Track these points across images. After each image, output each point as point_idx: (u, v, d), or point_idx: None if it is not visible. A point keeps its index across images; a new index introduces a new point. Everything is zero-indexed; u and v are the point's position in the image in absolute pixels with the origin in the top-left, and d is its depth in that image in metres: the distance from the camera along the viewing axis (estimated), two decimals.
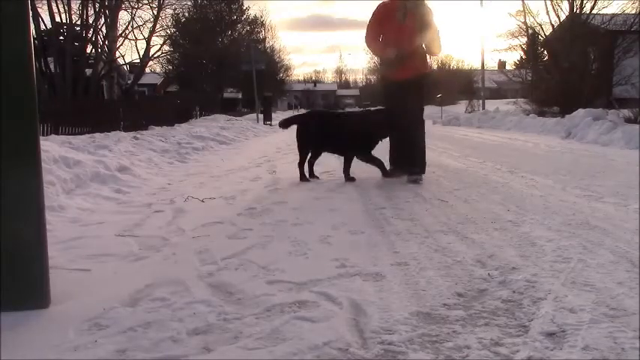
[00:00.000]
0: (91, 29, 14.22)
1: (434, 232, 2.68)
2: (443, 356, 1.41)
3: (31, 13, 1.89)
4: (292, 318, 1.66)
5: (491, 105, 19.84)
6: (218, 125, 12.45)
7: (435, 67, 41.38)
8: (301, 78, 71.09)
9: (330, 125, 4.69)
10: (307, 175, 4.72)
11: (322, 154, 4.91)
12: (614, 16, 14.73)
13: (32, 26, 2.30)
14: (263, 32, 38.56)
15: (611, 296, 1.76)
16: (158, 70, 26.09)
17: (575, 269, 2.04)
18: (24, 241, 1.79)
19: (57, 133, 8.42)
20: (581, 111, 9.45)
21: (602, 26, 14.40)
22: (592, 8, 14.70)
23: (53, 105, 9.86)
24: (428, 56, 4.71)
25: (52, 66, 13.30)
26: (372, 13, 4.52)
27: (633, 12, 14.24)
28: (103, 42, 15.12)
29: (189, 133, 9.46)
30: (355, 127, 4.64)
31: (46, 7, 13.03)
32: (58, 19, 13.41)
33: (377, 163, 4.63)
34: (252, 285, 1.97)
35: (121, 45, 16.58)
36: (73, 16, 13.62)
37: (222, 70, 27.22)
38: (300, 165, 4.69)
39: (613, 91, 14.50)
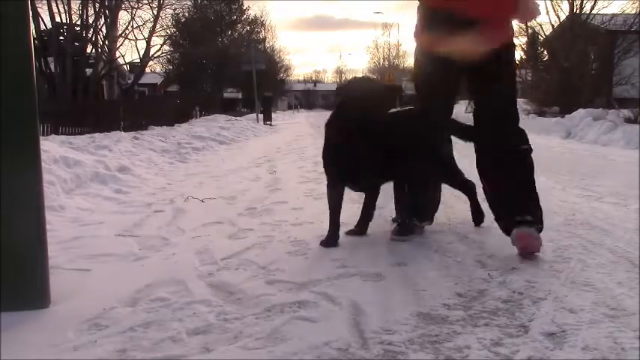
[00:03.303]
0: (91, 29, 14.21)
1: (434, 232, 2.68)
2: (443, 356, 1.41)
3: (31, 13, 1.89)
4: (292, 318, 1.66)
5: None
6: (218, 125, 12.42)
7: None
8: (301, 78, 71.04)
9: None
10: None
11: None
12: (614, 16, 14.70)
13: (32, 26, 2.29)
14: (263, 32, 38.50)
15: (611, 296, 1.76)
16: (158, 70, 26.08)
17: (575, 269, 2.04)
18: (24, 241, 1.79)
19: (57, 133, 8.40)
20: (581, 111, 9.46)
21: (602, 26, 14.39)
22: (592, 8, 14.69)
23: (53, 105, 9.85)
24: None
25: (52, 66, 13.30)
26: None
27: (633, 12, 14.24)
28: (103, 42, 15.12)
29: (189, 133, 9.45)
30: None
31: (46, 7, 13.04)
32: (58, 19, 13.41)
33: None
34: (252, 285, 1.97)
35: (121, 45, 16.59)
36: (73, 16, 13.63)
37: (222, 70, 27.19)
38: None
39: (613, 91, 14.49)
